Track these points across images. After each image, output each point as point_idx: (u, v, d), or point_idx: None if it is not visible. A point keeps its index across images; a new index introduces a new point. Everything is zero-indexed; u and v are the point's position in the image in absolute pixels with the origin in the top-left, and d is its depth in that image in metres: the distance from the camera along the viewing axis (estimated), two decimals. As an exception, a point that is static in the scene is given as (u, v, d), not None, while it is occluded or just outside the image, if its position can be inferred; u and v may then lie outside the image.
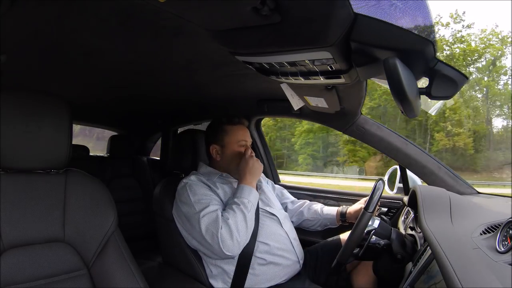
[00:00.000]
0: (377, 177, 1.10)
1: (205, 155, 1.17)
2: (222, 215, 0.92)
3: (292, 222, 1.22)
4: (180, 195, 1.00)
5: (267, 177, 1.35)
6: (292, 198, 1.32)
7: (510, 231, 0.56)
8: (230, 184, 1.07)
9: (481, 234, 0.63)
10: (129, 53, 0.90)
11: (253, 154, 1.08)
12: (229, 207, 0.95)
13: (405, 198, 1.17)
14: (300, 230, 1.23)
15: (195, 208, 0.93)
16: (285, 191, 1.33)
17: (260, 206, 1.06)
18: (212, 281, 0.97)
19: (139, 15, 0.66)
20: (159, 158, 2.41)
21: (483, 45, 17.29)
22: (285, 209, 1.27)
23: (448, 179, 1.11)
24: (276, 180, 1.75)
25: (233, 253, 0.89)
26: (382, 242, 0.91)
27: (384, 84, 0.73)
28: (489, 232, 0.63)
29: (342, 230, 1.22)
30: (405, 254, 0.88)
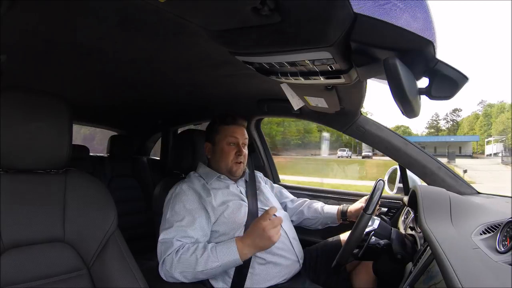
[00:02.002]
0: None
1: (205, 155, 1.18)
2: (180, 247, 0.89)
3: (292, 221, 1.22)
4: (168, 199, 1.03)
5: (266, 177, 1.35)
6: (291, 197, 1.32)
7: (510, 231, 0.56)
8: (227, 188, 1.08)
9: (481, 234, 0.63)
10: (129, 53, 0.90)
11: (243, 153, 1.09)
12: (200, 248, 0.88)
13: (405, 198, 1.17)
14: (300, 229, 1.23)
15: (167, 219, 0.97)
16: (284, 190, 1.33)
17: (259, 206, 1.06)
18: (212, 281, 0.97)
19: (139, 15, 0.66)
20: (159, 158, 2.41)
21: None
22: (285, 208, 1.27)
23: (448, 179, 1.11)
24: (276, 180, 1.76)
25: (165, 277, 0.88)
26: (382, 242, 0.91)
27: (384, 84, 0.73)
28: (489, 232, 0.63)
29: (342, 229, 1.22)
30: (405, 254, 0.88)
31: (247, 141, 1.14)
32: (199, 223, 0.96)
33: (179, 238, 0.92)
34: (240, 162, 1.10)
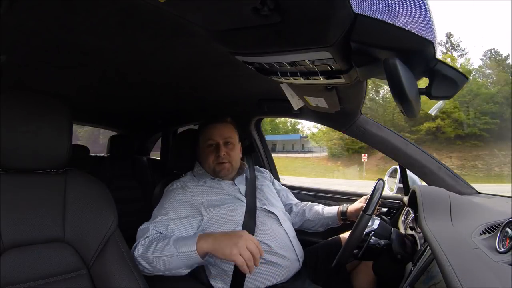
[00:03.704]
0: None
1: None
2: (152, 235, 0.88)
3: (294, 222, 1.22)
4: (162, 196, 1.04)
5: None
6: (296, 200, 1.33)
7: (510, 232, 0.56)
8: (222, 188, 1.08)
9: (481, 234, 0.63)
10: (129, 53, 0.90)
11: (221, 153, 1.07)
12: (166, 236, 0.88)
13: (405, 198, 1.17)
14: (301, 230, 1.23)
15: (153, 213, 0.98)
16: (290, 193, 1.34)
17: (258, 205, 1.06)
18: (212, 281, 0.97)
19: (139, 15, 0.66)
20: (159, 158, 2.41)
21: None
22: (289, 210, 1.27)
23: (448, 179, 1.11)
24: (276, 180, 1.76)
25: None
26: (382, 242, 0.91)
27: (384, 84, 0.73)
28: (489, 232, 0.63)
29: (343, 229, 1.23)
30: (405, 254, 0.88)
31: (232, 138, 1.12)
32: (184, 220, 0.96)
33: (155, 228, 0.91)
34: (224, 162, 1.08)
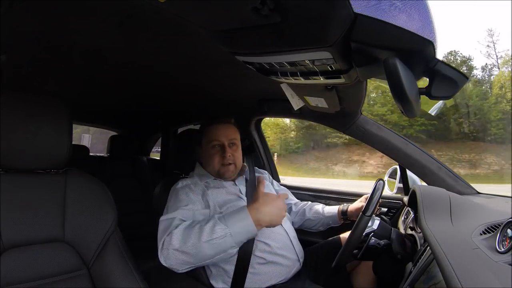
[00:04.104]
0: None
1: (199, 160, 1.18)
2: (179, 223, 0.82)
3: (295, 222, 1.22)
4: (171, 192, 1.02)
5: None
6: (296, 200, 1.33)
7: (509, 232, 0.56)
8: (225, 188, 1.07)
9: (481, 234, 0.63)
10: (129, 53, 0.90)
11: (227, 155, 1.05)
12: (209, 221, 0.79)
13: (405, 198, 1.17)
14: (301, 230, 1.23)
15: (170, 206, 0.93)
16: (289, 193, 1.34)
17: None
18: (212, 281, 0.97)
19: (139, 15, 0.66)
20: (159, 158, 2.41)
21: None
22: (289, 210, 1.27)
23: (448, 179, 1.11)
24: (276, 181, 1.76)
25: (169, 264, 0.78)
26: (382, 242, 0.91)
27: (384, 84, 0.73)
28: (489, 232, 0.63)
29: (343, 229, 1.23)
30: (405, 254, 0.88)
31: (236, 139, 1.11)
32: (203, 212, 0.94)
33: (181, 217, 0.84)
34: (229, 164, 1.07)
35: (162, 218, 0.87)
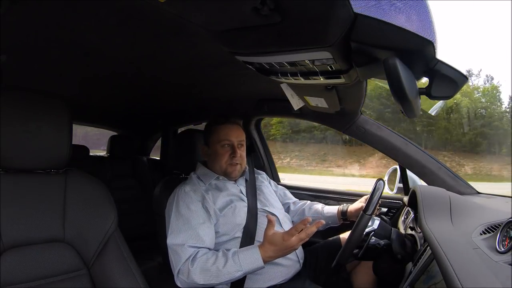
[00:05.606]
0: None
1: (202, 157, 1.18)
2: (194, 253, 0.89)
3: (293, 222, 1.22)
4: (170, 202, 1.03)
5: None
6: (294, 199, 1.32)
7: (510, 232, 0.56)
8: (227, 188, 1.07)
9: (481, 234, 0.63)
10: (129, 53, 0.90)
11: (237, 155, 1.07)
12: (220, 256, 0.88)
13: (405, 198, 1.17)
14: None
15: (173, 222, 0.96)
16: (287, 192, 1.34)
17: (258, 206, 1.06)
18: (212, 281, 0.97)
19: (139, 15, 0.66)
20: (159, 158, 2.41)
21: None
22: (287, 209, 1.27)
23: (448, 179, 1.11)
24: (276, 181, 1.75)
25: (182, 286, 0.89)
26: (382, 242, 0.91)
27: (384, 84, 0.73)
28: (489, 232, 0.63)
29: (343, 229, 1.22)
30: (405, 254, 0.88)
31: (244, 141, 1.12)
32: (205, 225, 0.95)
33: (191, 244, 0.90)
34: (236, 164, 1.08)
35: (169, 242, 0.93)
